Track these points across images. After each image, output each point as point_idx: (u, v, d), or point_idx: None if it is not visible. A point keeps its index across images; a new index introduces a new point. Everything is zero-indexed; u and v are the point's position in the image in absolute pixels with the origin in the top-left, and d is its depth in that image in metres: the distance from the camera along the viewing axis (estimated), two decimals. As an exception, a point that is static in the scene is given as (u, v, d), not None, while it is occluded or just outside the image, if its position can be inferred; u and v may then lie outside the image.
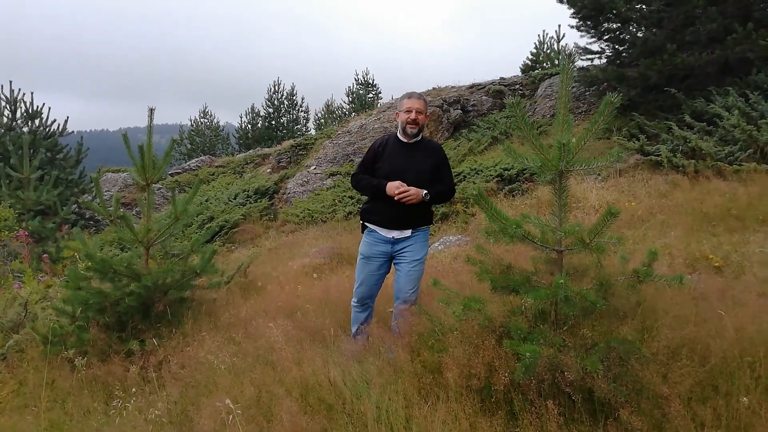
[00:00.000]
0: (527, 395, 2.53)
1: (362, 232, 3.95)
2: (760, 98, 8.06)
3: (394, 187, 3.60)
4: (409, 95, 3.81)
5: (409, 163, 3.72)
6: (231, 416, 2.55)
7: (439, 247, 7.13)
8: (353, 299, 4.01)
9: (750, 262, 4.26)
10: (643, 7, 10.31)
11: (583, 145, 2.67)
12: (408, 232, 3.77)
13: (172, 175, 18.93)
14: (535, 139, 2.79)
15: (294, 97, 31.90)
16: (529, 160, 2.81)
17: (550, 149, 2.72)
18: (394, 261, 3.87)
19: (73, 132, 14.25)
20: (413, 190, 3.58)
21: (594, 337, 2.69)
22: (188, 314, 4.56)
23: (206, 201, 14.13)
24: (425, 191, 3.65)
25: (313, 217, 11.36)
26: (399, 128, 3.83)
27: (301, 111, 32.22)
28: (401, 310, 3.72)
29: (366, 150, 4.05)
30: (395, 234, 3.77)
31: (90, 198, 13.06)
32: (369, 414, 2.67)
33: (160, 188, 15.76)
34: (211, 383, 3.19)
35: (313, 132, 28.88)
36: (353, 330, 4.02)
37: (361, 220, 3.95)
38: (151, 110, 4.47)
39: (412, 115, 3.71)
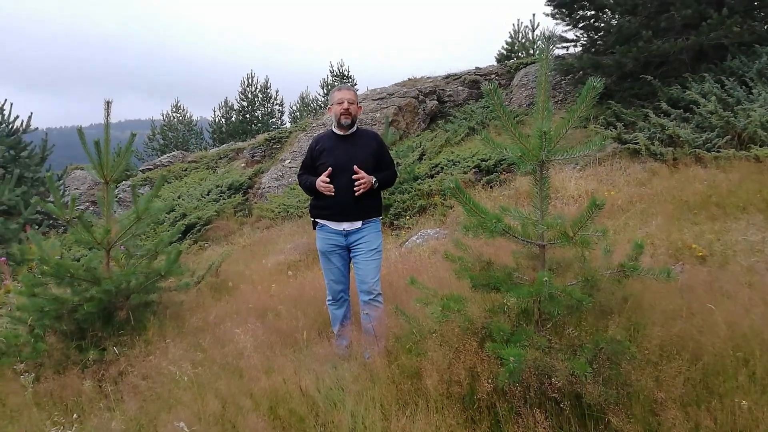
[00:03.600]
0: (512, 403, 2.37)
1: (314, 229, 3.90)
2: (736, 84, 8.03)
3: (321, 182, 3.61)
4: (339, 88, 3.85)
5: (350, 154, 3.70)
6: (190, 437, 2.34)
7: (417, 241, 6.95)
8: (327, 297, 3.94)
9: (734, 250, 4.16)
10: (618, -7, 10.23)
11: (564, 134, 2.52)
12: (358, 224, 3.74)
13: (143, 171, 18.45)
14: (514, 127, 2.62)
15: (268, 90, 31.14)
16: (508, 150, 2.65)
17: (529, 139, 2.57)
18: (351, 254, 3.82)
19: (37, 128, 13.71)
20: (366, 177, 3.59)
21: (581, 336, 2.53)
22: (153, 319, 4.32)
23: (179, 198, 13.72)
24: (374, 178, 3.67)
25: (288, 212, 11.08)
26: (333, 121, 3.82)
27: (276, 104, 31.47)
28: (371, 305, 3.67)
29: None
30: (345, 226, 3.74)
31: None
32: (344, 425, 2.49)
33: (129, 185, 15.29)
34: (173, 397, 2.96)
35: (288, 125, 28.40)
36: (334, 330, 3.91)
37: (311, 216, 3.92)
38: (108, 103, 4.21)
39: (345, 105, 3.71)
